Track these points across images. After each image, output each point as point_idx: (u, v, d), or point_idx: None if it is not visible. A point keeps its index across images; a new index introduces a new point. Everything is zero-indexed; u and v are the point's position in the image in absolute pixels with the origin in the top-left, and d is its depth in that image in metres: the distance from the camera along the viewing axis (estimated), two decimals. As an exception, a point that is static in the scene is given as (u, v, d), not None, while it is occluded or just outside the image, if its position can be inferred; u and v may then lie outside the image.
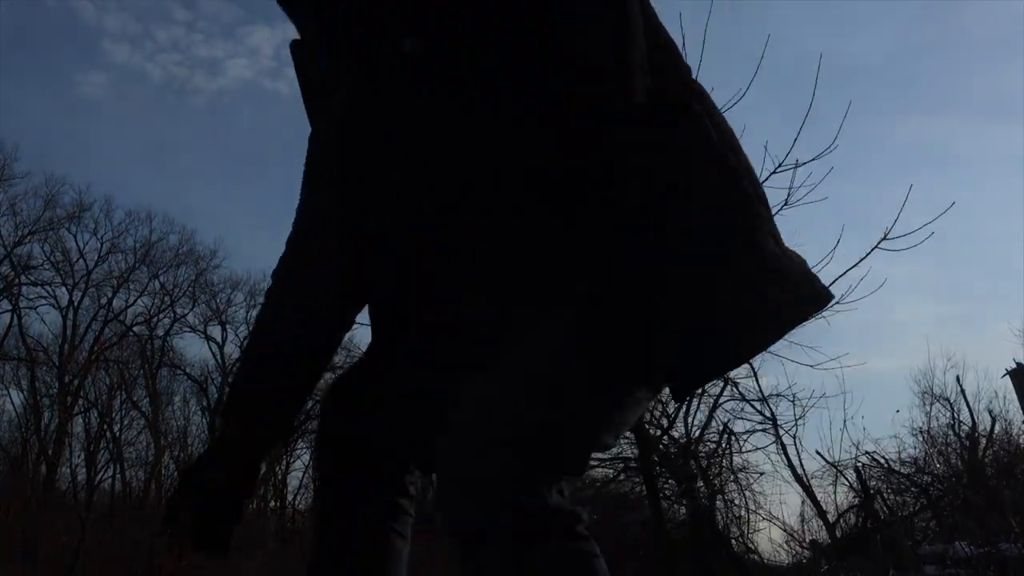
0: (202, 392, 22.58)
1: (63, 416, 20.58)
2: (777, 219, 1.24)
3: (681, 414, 8.02)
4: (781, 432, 7.91)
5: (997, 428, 11.34)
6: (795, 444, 8.18)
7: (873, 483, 9.08)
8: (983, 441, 11.02)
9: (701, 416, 8.37)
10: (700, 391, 7.79)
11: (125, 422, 22.21)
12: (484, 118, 1.14)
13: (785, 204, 5.51)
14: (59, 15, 28.89)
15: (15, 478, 17.80)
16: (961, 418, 11.86)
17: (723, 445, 8.29)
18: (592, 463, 1.11)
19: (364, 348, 1.41)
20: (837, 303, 5.75)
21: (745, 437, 8.42)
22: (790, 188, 5.45)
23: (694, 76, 1.29)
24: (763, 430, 8.04)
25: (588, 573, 1.04)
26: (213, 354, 22.72)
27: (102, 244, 22.54)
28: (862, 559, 6.56)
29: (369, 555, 1.28)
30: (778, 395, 8.03)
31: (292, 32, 1.36)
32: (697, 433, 8.19)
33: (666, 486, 7.81)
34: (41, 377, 21.41)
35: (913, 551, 5.91)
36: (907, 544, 6.06)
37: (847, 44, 26.89)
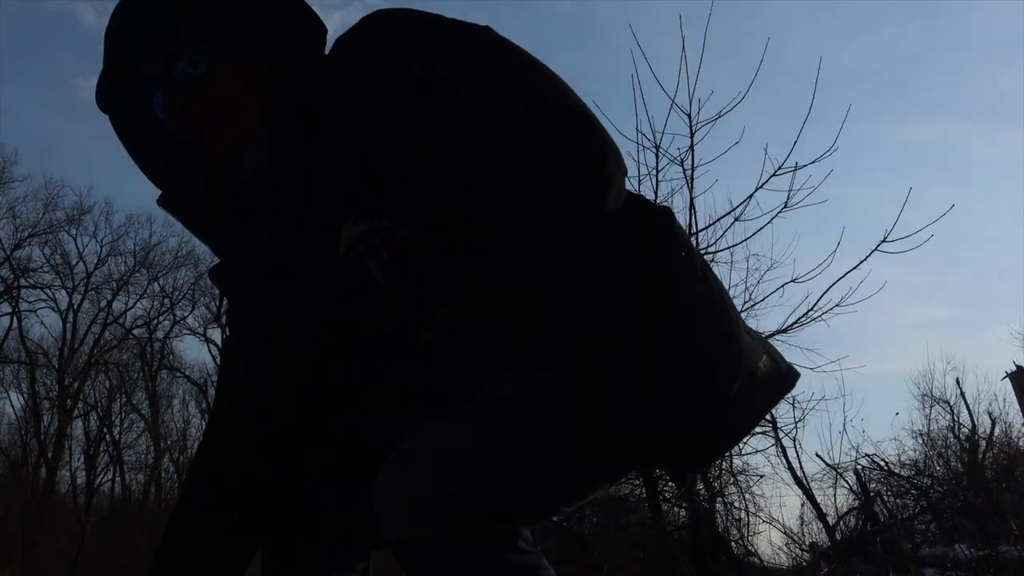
0: (202, 394, 22.56)
1: (63, 419, 20.56)
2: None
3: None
4: (781, 435, 7.92)
5: (997, 431, 11.35)
6: (795, 447, 8.19)
7: (873, 486, 9.08)
8: (983, 444, 11.01)
9: (701, 419, 8.36)
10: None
11: (125, 425, 22.23)
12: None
13: (785, 207, 5.54)
14: (59, 18, 28.95)
15: (15, 481, 17.78)
16: (961, 421, 11.86)
17: (723, 448, 8.26)
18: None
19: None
20: (837, 305, 5.77)
21: (745, 439, 8.41)
22: (790, 191, 5.48)
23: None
24: (763, 432, 8.03)
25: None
26: (213, 357, 22.72)
27: (102, 247, 22.61)
28: (862, 562, 6.56)
29: None
30: (778, 397, 7.99)
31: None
32: (697, 436, 8.16)
33: (666, 488, 7.80)
34: (41, 380, 21.42)
35: (913, 553, 5.91)
36: (907, 547, 6.06)
37: (847, 47, 26.90)
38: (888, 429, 32.89)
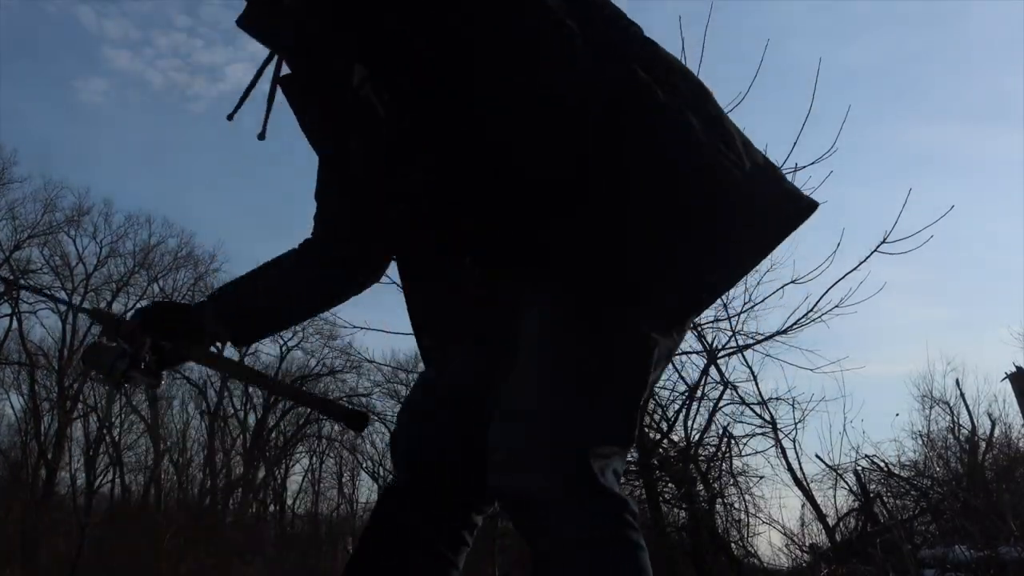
0: (201, 396, 22.59)
1: (63, 420, 20.57)
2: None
3: (681, 418, 8.03)
4: (781, 436, 7.91)
5: (997, 432, 11.35)
6: (795, 448, 8.18)
7: (873, 487, 9.07)
8: (983, 445, 11.02)
9: (701, 420, 8.38)
10: (700, 395, 7.80)
11: (124, 426, 22.22)
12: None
13: (784, 207, 5.52)
14: (60, 21, 28.99)
15: (14, 482, 17.76)
16: (961, 422, 11.86)
17: (723, 449, 8.28)
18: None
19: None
20: (837, 306, 5.77)
21: (745, 441, 8.41)
22: (789, 192, 5.46)
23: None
24: (763, 434, 8.03)
25: (633, 563, 1.06)
26: (213, 358, 22.67)
27: (101, 248, 22.63)
28: (862, 563, 6.55)
29: None
30: (778, 399, 8.02)
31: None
32: (697, 437, 8.18)
33: (666, 490, 7.80)
34: (41, 381, 21.44)
35: (913, 555, 5.91)
36: (907, 548, 6.05)
37: (847, 47, 26.94)
38: (888, 430, 32.85)
